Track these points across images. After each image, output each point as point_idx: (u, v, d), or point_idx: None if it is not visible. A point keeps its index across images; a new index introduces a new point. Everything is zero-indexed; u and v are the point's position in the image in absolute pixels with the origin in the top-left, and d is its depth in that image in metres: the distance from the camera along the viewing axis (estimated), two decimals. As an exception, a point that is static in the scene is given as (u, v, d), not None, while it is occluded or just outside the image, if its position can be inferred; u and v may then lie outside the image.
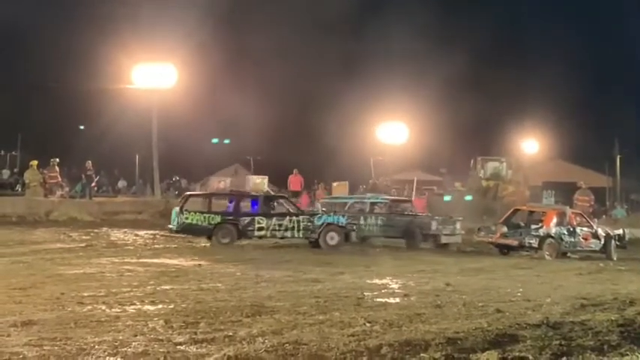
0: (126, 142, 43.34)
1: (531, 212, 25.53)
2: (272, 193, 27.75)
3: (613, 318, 10.54)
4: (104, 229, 26.18)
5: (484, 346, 8.62)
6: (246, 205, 24.14)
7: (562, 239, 23.29)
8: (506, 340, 8.97)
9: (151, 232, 25.40)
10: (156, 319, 9.68)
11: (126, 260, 17.42)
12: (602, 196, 42.50)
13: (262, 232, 23.24)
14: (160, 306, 10.78)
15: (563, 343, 8.89)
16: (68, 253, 18.68)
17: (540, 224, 23.50)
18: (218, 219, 23.17)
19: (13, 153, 47.96)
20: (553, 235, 23.14)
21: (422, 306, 11.41)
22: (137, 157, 44.49)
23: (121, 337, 8.47)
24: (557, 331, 9.53)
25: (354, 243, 24.04)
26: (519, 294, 13.33)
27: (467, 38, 48.22)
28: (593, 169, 52.17)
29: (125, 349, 7.99)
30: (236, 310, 10.44)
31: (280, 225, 23.33)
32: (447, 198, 39.33)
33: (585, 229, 24.01)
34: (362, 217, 25.91)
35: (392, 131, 42.89)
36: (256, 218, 23.31)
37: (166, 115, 36.23)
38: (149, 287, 12.72)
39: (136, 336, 8.60)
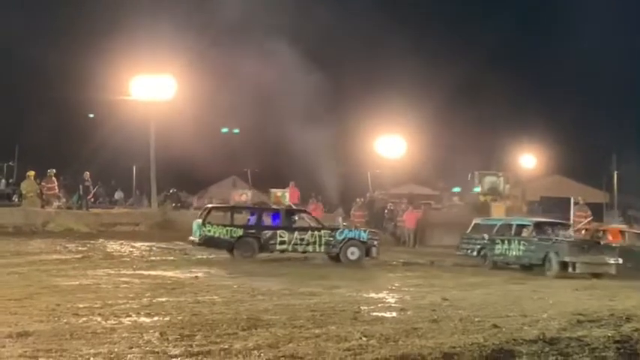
0: (124, 154, 43.33)
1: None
2: (293, 207, 27.58)
3: (609, 334, 10.53)
4: (100, 240, 26.15)
5: (480, 362, 8.63)
6: (268, 219, 24.11)
7: None
8: (503, 355, 8.97)
9: (148, 243, 25.34)
10: (152, 331, 9.66)
11: (122, 272, 17.40)
12: (600, 211, 42.44)
13: (284, 246, 23.19)
14: (156, 318, 10.76)
15: (559, 358, 8.90)
16: (64, 264, 18.65)
17: None
18: (240, 232, 23.08)
19: (10, 163, 47.87)
20: None
21: (418, 320, 11.39)
22: (134, 168, 44.49)
23: (116, 349, 8.46)
24: (553, 346, 9.52)
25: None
26: (516, 309, 13.31)
27: (466, 53, 48.34)
28: (590, 184, 52.16)
29: (120, 361, 7.98)
30: (232, 323, 10.42)
31: (302, 239, 23.25)
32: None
33: None
34: (505, 241, 23.92)
35: (390, 145, 42.91)
36: (278, 232, 23.27)
37: (165, 127, 36.18)
38: (145, 299, 12.70)
39: (132, 348, 8.58)
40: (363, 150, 42.74)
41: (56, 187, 33.38)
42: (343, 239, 23.37)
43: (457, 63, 45.81)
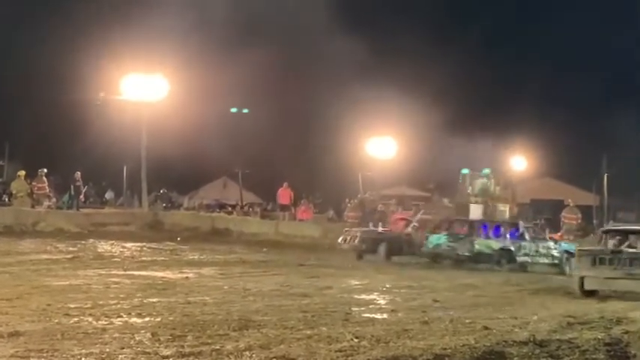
0: (114, 154, 43.20)
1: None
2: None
3: (600, 336, 10.57)
4: (91, 240, 26.09)
5: (471, 363, 8.66)
6: (511, 232, 24.91)
7: None
8: (493, 357, 9.00)
9: (139, 244, 25.31)
10: (143, 331, 9.65)
11: (113, 272, 17.38)
12: (590, 214, 42.59)
13: (525, 258, 24.07)
14: (147, 319, 10.75)
15: (549, 361, 8.92)
16: (55, 264, 18.61)
17: None
18: (497, 245, 24.02)
19: (0, 163, 47.75)
20: None
21: (409, 322, 11.41)
22: (125, 168, 44.38)
23: (107, 350, 8.44)
24: (544, 349, 9.55)
25: None
26: (507, 311, 13.35)
27: (456, 54, 48.37)
28: (580, 187, 52.32)
29: (112, 361, 7.97)
30: (223, 324, 10.42)
31: (537, 251, 24.16)
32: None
33: None
34: None
35: (381, 146, 42.88)
36: (522, 244, 24.19)
37: (156, 127, 36.08)
38: (136, 300, 12.68)
39: (123, 349, 8.57)
40: (354, 151, 42.71)
41: (47, 187, 33.29)
42: (562, 251, 24.13)
43: (447, 64, 45.83)
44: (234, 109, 45.83)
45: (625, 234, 18.78)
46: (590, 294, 16.81)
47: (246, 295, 14.06)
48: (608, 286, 17.04)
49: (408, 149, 43.64)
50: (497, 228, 25.11)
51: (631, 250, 17.53)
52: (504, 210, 28.08)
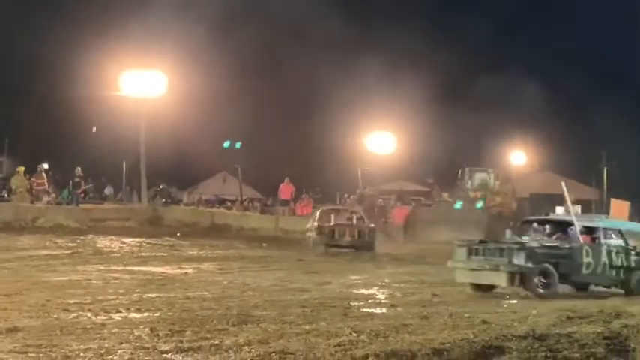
0: (114, 149, 43.22)
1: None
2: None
3: (599, 330, 10.56)
4: (90, 236, 26.05)
5: (470, 357, 8.67)
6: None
7: None
8: (493, 351, 8.99)
9: (138, 239, 25.27)
10: (142, 326, 9.67)
11: (112, 267, 17.39)
12: (589, 208, 42.53)
13: None
14: (146, 314, 10.76)
15: (549, 354, 8.92)
16: (54, 259, 18.63)
17: None
18: None
19: (-1, 159, 47.69)
20: None
21: (408, 316, 11.42)
22: (124, 164, 44.40)
23: (106, 345, 8.46)
24: (543, 342, 9.54)
25: None
26: (505, 305, 13.35)
27: (456, 49, 48.36)
28: (580, 181, 52.33)
29: (111, 356, 7.99)
30: (222, 319, 10.43)
31: None
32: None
33: None
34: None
35: (380, 141, 42.89)
36: None
37: (155, 123, 36.07)
38: (135, 295, 12.70)
39: (122, 344, 8.58)
40: (353, 146, 42.72)
41: (46, 183, 33.24)
42: None
43: (447, 59, 45.83)
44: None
45: (557, 225, 17.22)
46: (485, 288, 15.55)
47: (246, 290, 14.08)
48: (476, 279, 15.66)
49: (408, 144, 43.68)
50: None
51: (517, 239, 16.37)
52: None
